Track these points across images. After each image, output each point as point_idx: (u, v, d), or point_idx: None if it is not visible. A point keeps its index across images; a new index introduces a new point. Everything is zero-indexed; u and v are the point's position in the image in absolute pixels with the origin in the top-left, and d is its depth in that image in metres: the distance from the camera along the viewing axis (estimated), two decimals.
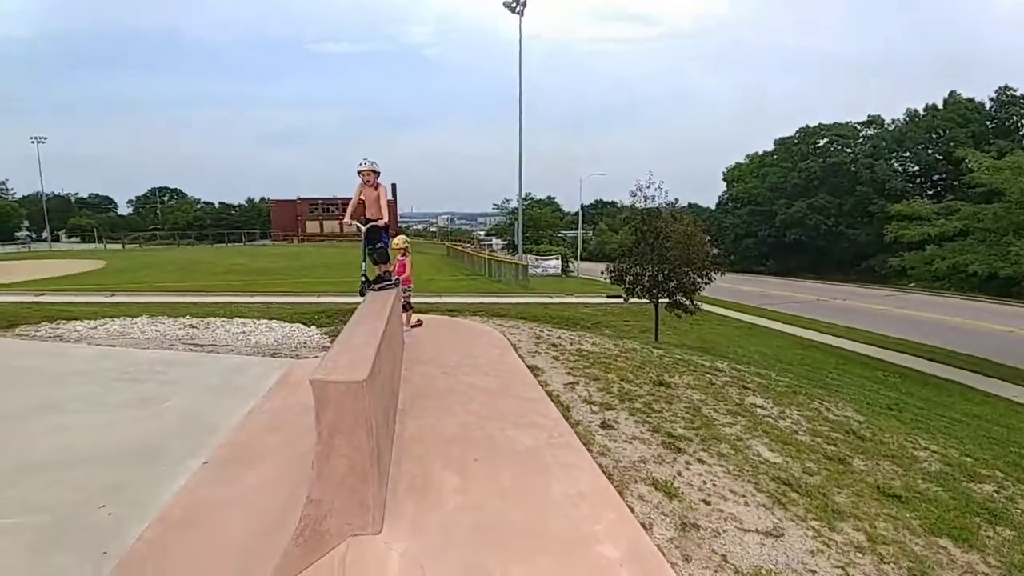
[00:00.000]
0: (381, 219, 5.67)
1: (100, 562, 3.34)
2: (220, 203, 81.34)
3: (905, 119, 57.36)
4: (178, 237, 60.56)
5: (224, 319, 11.42)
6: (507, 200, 68.97)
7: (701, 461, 3.95)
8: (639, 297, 12.52)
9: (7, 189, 77.93)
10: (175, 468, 4.49)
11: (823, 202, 55.38)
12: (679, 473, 3.73)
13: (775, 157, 63.44)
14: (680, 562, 2.77)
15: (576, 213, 66.30)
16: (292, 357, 8.14)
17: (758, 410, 5.44)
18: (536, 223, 60.29)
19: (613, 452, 3.93)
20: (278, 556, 2.44)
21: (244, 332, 10.09)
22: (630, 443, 4.14)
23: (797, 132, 62.18)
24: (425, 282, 22.42)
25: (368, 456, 2.54)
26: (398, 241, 7.62)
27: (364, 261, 5.95)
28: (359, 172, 5.78)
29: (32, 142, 50.84)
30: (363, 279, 6.08)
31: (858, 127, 59.50)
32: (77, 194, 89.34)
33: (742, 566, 2.84)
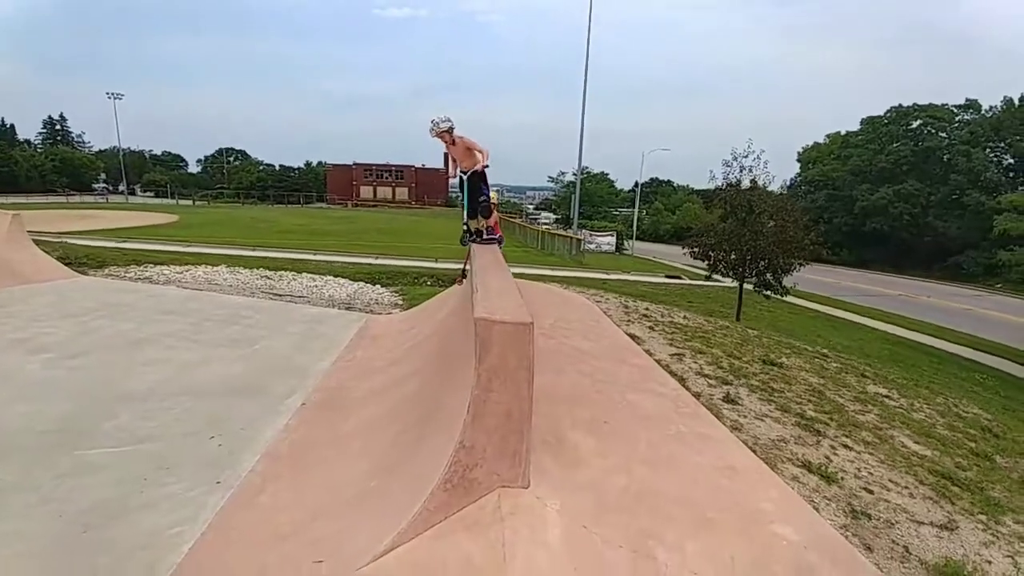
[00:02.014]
0: (477, 164, 5.28)
1: (214, 491, 3.34)
2: (280, 165, 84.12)
3: (1002, 106, 51.75)
4: (242, 196, 63.14)
5: (294, 273, 11.67)
6: (563, 173, 67.43)
7: (847, 447, 3.60)
8: (723, 276, 11.79)
9: (85, 142, 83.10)
10: (275, 407, 4.50)
11: (911, 190, 50.76)
12: (828, 458, 3.41)
13: (860, 138, 58.11)
14: (862, 551, 2.52)
15: (631, 190, 64.17)
16: (367, 312, 8.15)
17: (887, 400, 4.97)
18: (591, 198, 58.63)
19: (747, 428, 3.62)
20: (421, 499, 2.28)
21: (316, 286, 10.25)
22: (761, 420, 3.82)
23: (888, 111, 56.79)
24: None
25: (527, 406, 2.33)
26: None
27: (465, 211, 5.71)
28: (433, 137, 5.47)
29: (109, 98, 53.12)
30: (465, 228, 5.87)
31: (954, 110, 54.10)
32: (151, 151, 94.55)
33: (927, 558, 2.62)
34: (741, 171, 11.82)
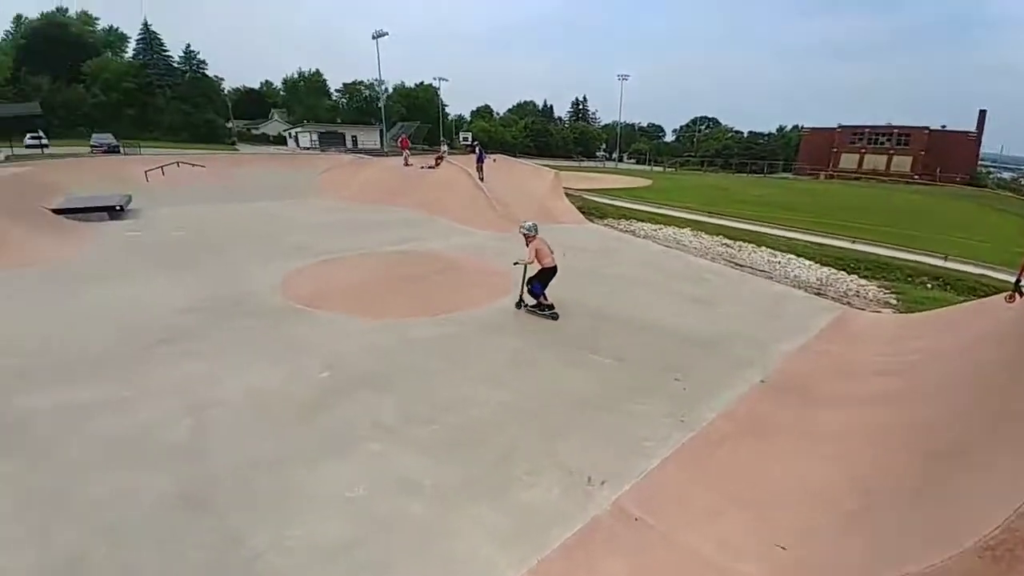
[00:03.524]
0: (533, 262, 5.87)
1: (678, 427, 3.74)
2: (749, 132, 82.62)
3: None
4: (705, 164, 66.44)
5: (754, 245, 11.37)
6: None
7: None
8: None
9: (597, 119, 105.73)
10: (733, 370, 4.62)
11: None
12: None
13: None
14: None
15: None
16: (842, 303, 7.09)
17: None
18: None
19: None
20: (937, 550, 1.83)
21: (778, 262, 9.70)
22: None
23: None
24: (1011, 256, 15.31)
25: None
26: None
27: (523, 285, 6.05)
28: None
29: (618, 79, 64.56)
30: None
31: None
32: (639, 123, 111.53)
33: None
34: None
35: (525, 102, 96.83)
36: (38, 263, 7.23)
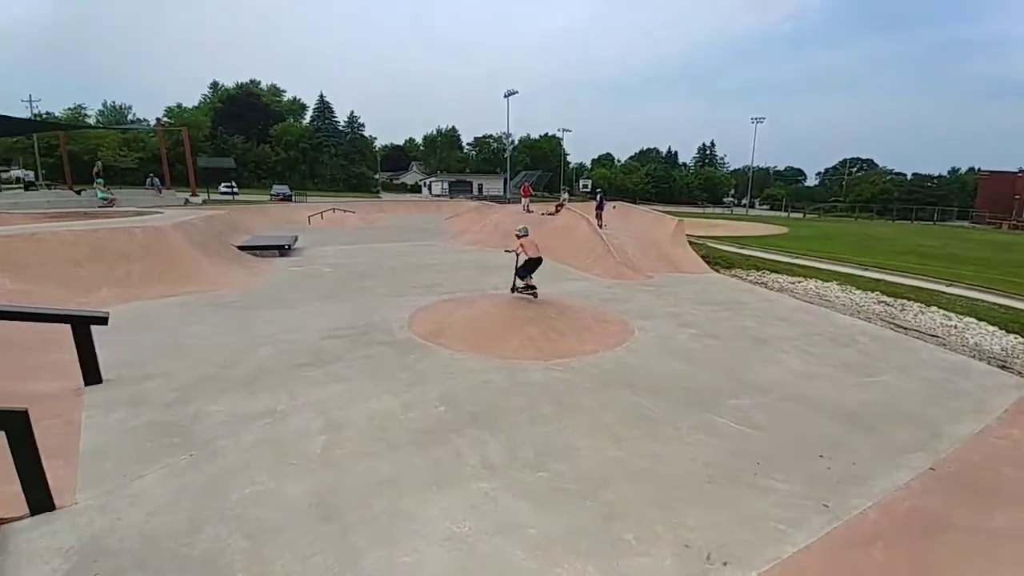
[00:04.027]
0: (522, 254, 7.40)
1: (820, 512, 3.26)
2: (913, 174, 72.12)
3: None
4: (857, 210, 58.98)
5: (921, 305, 9.75)
6: None
7: None
8: None
9: (724, 163, 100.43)
10: (892, 453, 3.93)
11: None
12: None
13: None
14: None
15: None
16: None
17: None
18: None
19: None
20: None
21: (953, 327, 8.17)
22: None
23: None
24: None
25: None
26: None
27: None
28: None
29: (752, 122, 60.45)
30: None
31: None
32: (775, 167, 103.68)
33: None
34: None
35: (648, 149, 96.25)
36: (227, 290, 8.74)
